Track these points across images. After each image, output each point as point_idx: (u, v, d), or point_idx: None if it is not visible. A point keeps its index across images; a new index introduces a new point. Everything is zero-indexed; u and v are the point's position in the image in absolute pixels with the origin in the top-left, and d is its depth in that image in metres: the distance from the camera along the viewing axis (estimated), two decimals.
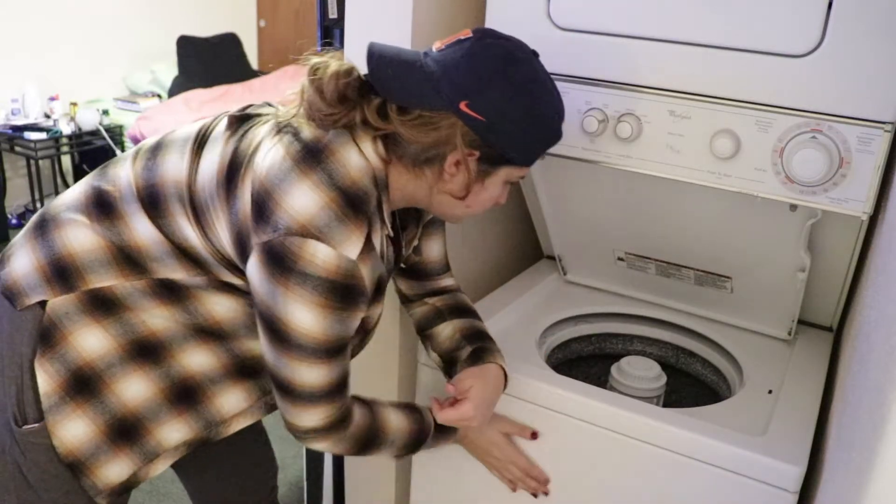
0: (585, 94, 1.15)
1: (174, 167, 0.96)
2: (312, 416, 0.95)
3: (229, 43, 4.65)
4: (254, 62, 4.96)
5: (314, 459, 1.78)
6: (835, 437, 0.94)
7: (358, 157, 0.90)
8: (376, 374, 1.48)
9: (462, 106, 0.88)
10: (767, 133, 1.03)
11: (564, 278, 1.57)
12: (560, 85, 1.17)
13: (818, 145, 0.99)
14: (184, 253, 0.95)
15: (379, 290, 0.97)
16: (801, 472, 1.00)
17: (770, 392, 1.21)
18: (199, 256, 0.94)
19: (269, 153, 0.89)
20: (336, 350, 0.92)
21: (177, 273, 0.95)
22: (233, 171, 0.91)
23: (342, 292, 0.87)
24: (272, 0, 5.09)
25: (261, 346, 0.94)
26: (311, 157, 0.88)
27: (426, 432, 1.09)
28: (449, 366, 1.16)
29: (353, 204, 0.87)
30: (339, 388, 0.95)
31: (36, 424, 0.96)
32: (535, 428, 1.18)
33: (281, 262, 0.85)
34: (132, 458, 1.01)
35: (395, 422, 1.05)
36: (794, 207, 1.12)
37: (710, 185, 1.10)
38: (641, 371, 1.29)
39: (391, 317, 1.41)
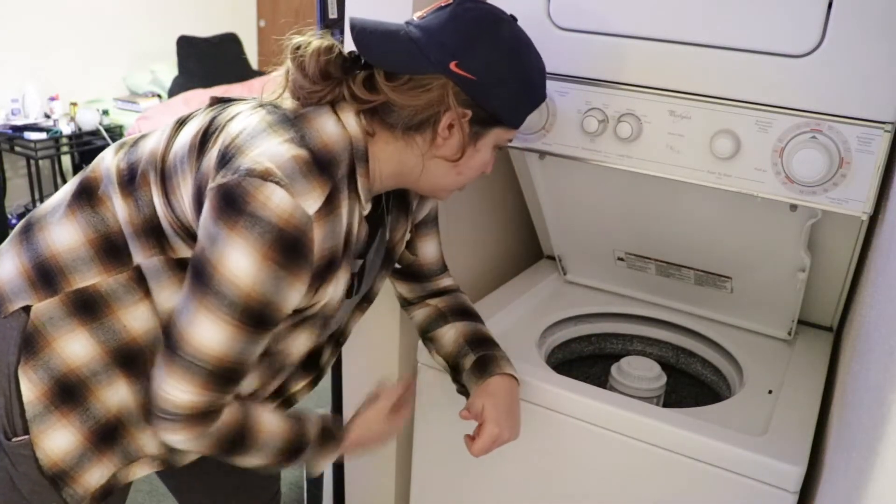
0: (585, 94, 1.15)
1: (153, 144, 0.96)
2: (180, 391, 0.85)
3: (229, 43, 4.65)
4: (254, 62, 4.95)
5: None
6: (835, 437, 0.94)
7: (335, 126, 0.90)
8: (376, 374, 1.48)
9: (452, 66, 0.89)
10: (767, 133, 1.03)
11: (564, 278, 1.57)
12: (560, 85, 1.17)
13: (818, 145, 0.99)
14: (146, 229, 0.93)
15: (330, 267, 0.90)
16: (801, 472, 1.00)
17: (770, 392, 1.21)
18: (159, 229, 0.93)
19: (245, 119, 0.90)
20: (253, 317, 0.84)
21: (138, 256, 0.94)
22: (207, 136, 0.91)
23: (288, 247, 0.82)
24: (272, 0, 5.09)
25: (181, 296, 0.87)
26: (286, 121, 0.88)
27: (305, 441, 0.99)
28: (455, 372, 1.15)
29: (320, 164, 0.85)
30: (225, 375, 0.86)
31: (26, 436, 0.94)
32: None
33: (232, 203, 0.81)
34: (113, 460, 1.00)
35: (270, 425, 0.96)
36: (794, 207, 1.12)
37: (710, 185, 1.10)
38: (641, 371, 1.29)
39: (391, 317, 1.41)
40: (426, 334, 1.21)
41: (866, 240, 1.16)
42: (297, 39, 0.92)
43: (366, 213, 0.94)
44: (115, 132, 3.89)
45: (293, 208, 0.82)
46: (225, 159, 0.85)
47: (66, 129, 3.72)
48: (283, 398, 1.21)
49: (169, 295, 0.95)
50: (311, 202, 0.83)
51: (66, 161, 4.05)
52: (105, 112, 3.94)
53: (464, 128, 0.92)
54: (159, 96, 4.27)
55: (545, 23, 1.15)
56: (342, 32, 1.34)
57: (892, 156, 1.01)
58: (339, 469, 1.65)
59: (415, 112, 0.91)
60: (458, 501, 1.35)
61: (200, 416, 0.87)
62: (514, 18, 0.96)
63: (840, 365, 1.18)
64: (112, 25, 4.25)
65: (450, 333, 1.17)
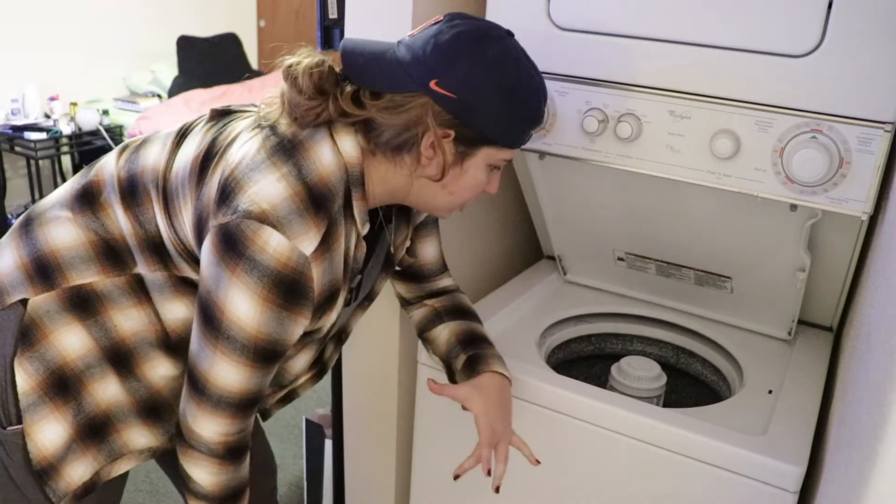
0: (585, 94, 1.15)
1: (154, 158, 0.97)
2: (212, 426, 0.91)
3: (229, 43, 4.65)
4: (254, 62, 4.96)
5: (314, 459, 1.78)
6: (835, 437, 0.94)
7: (331, 154, 0.90)
8: (376, 374, 1.48)
9: (432, 85, 0.88)
10: (767, 133, 1.03)
11: (564, 278, 1.57)
12: (560, 85, 1.17)
13: (818, 145, 0.99)
14: (150, 245, 0.95)
15: (331, 297, 0.93)
16: (801, 472, 1.00)
17: (770, 392, 1.21)
18: (163, 248, 0.95)
19: (244, 145, 0.90)
20: (264, 355, 0.88)
21: (142, 268, 0.96)
22: (207, 159, 0.92)
23: (287, 289, 0.85)
24: (272, 0, 5.10)
25: (192, 335, 0.91)
26: (284, 151, 0.88)
27: None
28: (449, 372, 1.16)
29: (316, 201, 0.86)
30: (249, 403, 0.92)
31: (20, 425, 0.95)
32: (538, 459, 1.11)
33: (233, 246, 0.84)
34: (97, 457, 1.00)
35: None
36: (794, 207, 1.12)
37: (710, 185, 1.10)
38: (641, 371, 1.29)
39: (391, 317, 1.41)
40: (423, 334, 1.21)
41: (866, 240, 1.16)
42: (289, 59, 0.92)
43: (364, 233, 0.94)
44: (115, 132, 3.89)
45: (290, 251, 0.84)
46: (225, 193, 0.86)
47: (66, 129, 3.72)
48: (286, 392, 1.21)
49: (171, 307, 0.97)
50: (308, 243, 0.85)
51: (66, 161, 4.05)
52: (105, 112, 3.94)
53: (444, 148, 0.92)
54: (159, 96, 4.27)
55: (545, 23, 1.15)
56: (342, 32, 1.34)
57: (892, 156, 1.01)
58: (339, 469, 1.65)
59: (397, 132, 0.91)
60: (458, 501, 1.35)
61: (232, 451, 0.94)
62: (509, 34, 0.94)
63: (840, 365, 1.18)
64: (112, 25, 4.25)
65: (444, 333, 1.17)
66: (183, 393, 0.93)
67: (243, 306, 0.85)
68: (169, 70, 4.40)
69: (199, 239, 0.90)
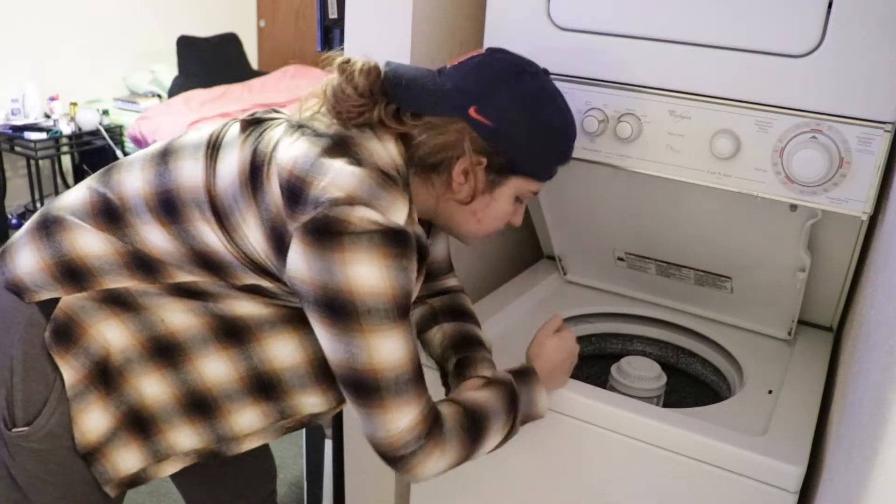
0: (585, 94, 1.15)
1: (189, 173, 0.95)
2: (407, 415, 0.87)
3: (229, 43, 4.65)
4: (254, 62, 4.96)
5: (314, 459, 1.78)
6: (835, 437, 0.94)
7: (383, 150, 0.91)
8: None
9: (471, 111, 0.91)
10: (767, 133, 1.03)
11: (564, 278, 1.57)
12: (560, 85, 1.17)
13: (818, 145, 0.99)
14: (199, 260, 0.94)
15: (420, 264, 0.93)
16: (801, 472, 1.00)
17: (770, 392, 1.21)
18: (221, 261, 0.93)
19: (291, 147, 0.90)
20: (403, 309, 0.87)
21: (195, 277, 0.95)
22: (255, 170, 0.91)
23: (396, 239, 0.85)
24: (272, 0, 5.10)
25: (327, 353, 0.89)
26: (336, 146, 0.89)
27: (513, 388, 1.01)
28: (444, 374, 1.16)
29: (390, 177, 0.88)
30: (418, 371, 0.89)
31: (25, 428, 0.95)
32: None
33: (330, 232, 0.83)
34: (144, 452, 1.02)
35: (482, 395, 0.98)
36: (794, 207, 1.12)
37: (710, 185, 1.10)
38: (641, 371, 1.29)
39: None
40: (420, 335, 1.21)
41: (866, 240, 1.16)
42: (341, 58, 0.95)
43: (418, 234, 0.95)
44: (115, 132, 3.89)
45: (387, 221, 0.85)
46: (293, 195, 0.86)
47: (66, 129, 3.72)
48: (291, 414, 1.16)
49: (238, 300, 0.97)
50: (399, 213, 0.87)
51: (66, 161, 4.06)
52: (105, 112, 3.94)
53: (477, 174, 0.94)
54: (159, 96, 4.27)
55: (545, 23, 1.15)
56: (342, 32, 1.34)
57: (892, 156, 1.01)
58: (339, 469, 1.65)
59: (431, 151, 0.93)
60: (459, 501, 1.35)
61: (433, 424, 0.90)
62: (546, 72, 0.98)
63: (840, 365, 1.18)
64: (112, 25, 4.25)
65: (437, 336, 1.17)
66: (362, 422, 0.90)
67: (368, 273, 0.83)
68: (169, 70, 4.39)
69: (279, 249, 0.89)
